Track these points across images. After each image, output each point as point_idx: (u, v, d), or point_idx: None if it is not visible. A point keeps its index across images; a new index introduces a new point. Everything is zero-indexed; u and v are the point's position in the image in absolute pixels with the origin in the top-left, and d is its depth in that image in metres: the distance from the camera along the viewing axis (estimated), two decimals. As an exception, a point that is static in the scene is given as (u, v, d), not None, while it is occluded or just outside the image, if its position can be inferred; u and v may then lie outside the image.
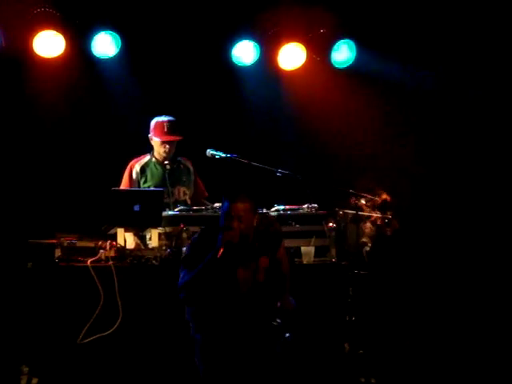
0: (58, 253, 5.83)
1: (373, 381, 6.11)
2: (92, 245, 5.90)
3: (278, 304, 5.15)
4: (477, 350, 7.08)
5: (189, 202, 6.76)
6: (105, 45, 7.66)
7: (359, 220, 6.22)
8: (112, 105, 8.05)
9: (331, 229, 6.22)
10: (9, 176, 7.78)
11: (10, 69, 7.71)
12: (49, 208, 7.75)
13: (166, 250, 5.94)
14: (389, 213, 6.26)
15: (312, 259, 6.09)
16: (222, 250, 4.94)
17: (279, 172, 6.30)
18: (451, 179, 8.17)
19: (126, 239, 6.16)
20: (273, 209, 6.28)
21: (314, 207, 6.29)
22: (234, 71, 8.11)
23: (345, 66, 8.11)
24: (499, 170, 8.12)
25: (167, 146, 6.75)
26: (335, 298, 6.09)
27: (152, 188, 6.67)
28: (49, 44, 7.52)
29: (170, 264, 5.79)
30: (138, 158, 6.85)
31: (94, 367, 5.73)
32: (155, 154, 6.82)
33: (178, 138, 6.76)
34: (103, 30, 7.60)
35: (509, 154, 8.11)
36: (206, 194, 6.95)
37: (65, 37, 7.52)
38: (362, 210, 6.26)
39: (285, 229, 6.08)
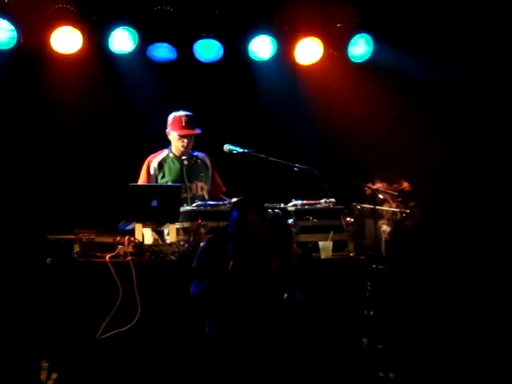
0: (76, 248, 5.84)
1: (391, 375, 6.10)
2: (110, 240, 5.90)
3: (285, 296, 5.12)
4: (496, 346, 7.06)
5: (206, 197, 6.76)
6: (122, 41, 7.68)
7: (377, 215, 6.21)
8: (129, 100, 8.07)
9: (349, 223, 6.21)
10: (28, 172, 7.82)
11: (28, 65, 7.75)
12: (67, 204, 7.79)
13: (183, 245, 5.95)
14: (411, 203, 6.23)
15: (330, 254, 6.07)
16: (232, 262, 4.90)
17: (296, 167, 6.29)
18: (471, 177, 8.13)
19: (144, 235, 6.19)
20: (290, 204, 6.26)
21: (332, 202, 6.28)
22: (251, 66, 8.11)
23: (362, 60, 8.09)
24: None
25: (185, 140, 6.75)
26: (353, 293, 6.07)
27: (170, 183, 6.68)
28: (66, 40, 7.54)
29: (188, 259, 5.77)
30: (156, 154, 6.86)
31: (112, 362, 5.74)
32: (173, 149, 6.83)
33: (195, 131, 6.77)
34: (120, 25, 7.62)
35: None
36: (224, 188, 6.95)
37: (82, 33, 7.54)
38: (381, 203, 6.24)
39: (302, 224, 6.09)
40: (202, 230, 5.93)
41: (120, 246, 5.86)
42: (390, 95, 8.18)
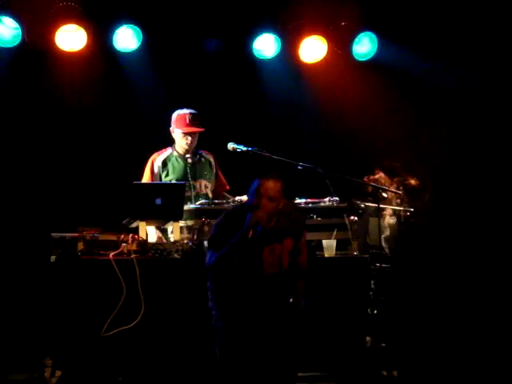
0: (80, 246, 5.86)
1: (395, 374, 6.11)
2: (114, 238, 5.92)
3: (291, 300, 5.14)
4: (500, 344, 7.05)
5: (210, 195, 6.77)
6: (126, 38, 7.68)
7: (380, 213, 6.22)
8: (133, 98, 8.08)
9: (353, 222, 6.21)
10: (32, 170, 7.83)
11: (33, 63, 7.76)
12: (71, 202, 7.79)
13: (187, 243, 5.96)
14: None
15: (334, 252, 6.08)
16: (252, 231, 4.91)
17: (300, 165, 6.29)
18: (476, 174, 8.12)
19: (148, 233, 6.20)
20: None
21: (336, 200, 6.28)
22: (255, 64, 8.11)
23: (366, 58, 8.09)
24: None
25: (189, 138, 6.76)
26: (357, 292, 6.08)
27: (174, 181, 6.69)
28: (71, 38, 7.55)
29: (192, 257, 5.81)
30: (160, 152, 6.87)
31: (116, 360, 5.76)
32: (177, 147, 6.83)
33: (199, 129, 6.77)
34: (125, 23, 7.62)
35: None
36: (228, 187, 6.96)
37: (86, 31, 7.55)
38: (385, 199, 6.26)
39: (306, 222, 6.08)
40: (206, 229, 5.94)
41: (124, 244, 5.87)
42: (395, 93, 8.18)
